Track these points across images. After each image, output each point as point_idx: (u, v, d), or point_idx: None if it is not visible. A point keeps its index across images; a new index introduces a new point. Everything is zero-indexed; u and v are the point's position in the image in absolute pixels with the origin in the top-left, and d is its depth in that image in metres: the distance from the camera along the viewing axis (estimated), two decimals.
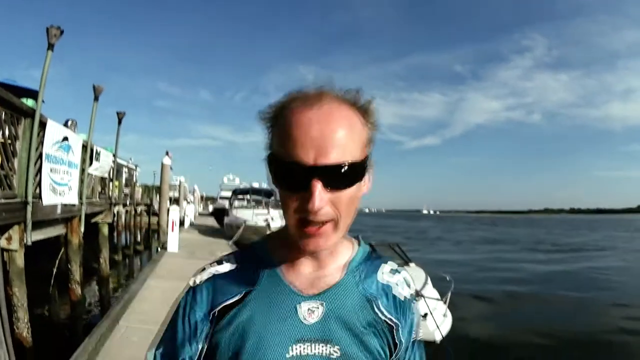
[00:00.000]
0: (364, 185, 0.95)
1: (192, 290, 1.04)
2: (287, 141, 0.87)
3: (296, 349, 0.94)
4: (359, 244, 1.10)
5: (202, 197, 61.93)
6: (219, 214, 37.54)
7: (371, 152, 0.94)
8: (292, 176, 0.87)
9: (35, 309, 8.71)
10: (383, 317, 1.00)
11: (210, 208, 55.79)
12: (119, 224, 19.58)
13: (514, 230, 70.22)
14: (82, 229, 10.33)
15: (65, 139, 8.81)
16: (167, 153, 22.38)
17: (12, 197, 6.52)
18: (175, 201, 27.08)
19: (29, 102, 7.48)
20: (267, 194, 27.55)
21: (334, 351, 0.94)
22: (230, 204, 27.09)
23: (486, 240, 44.95)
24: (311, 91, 0.92)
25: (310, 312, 0.96)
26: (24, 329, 6.50)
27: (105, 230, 13.48)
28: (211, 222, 36.01)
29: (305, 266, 1.01)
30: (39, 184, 7.59)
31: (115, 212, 18.38)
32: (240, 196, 28.40)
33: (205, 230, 26.39)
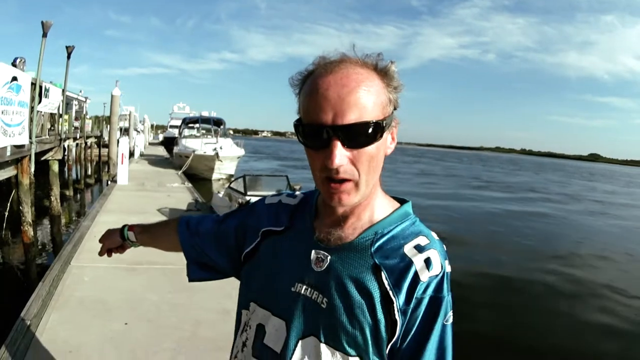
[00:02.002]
0: (388, 144, 1.01)
1: (264, 202, 1.25)
2: (309, 104, 0.94)
3: (299, 286, 1.05)
4: (400, 209, 1.09)
5: (152, 126, 60.56)
6: (169, 143, 36.95)
7: (393, 112, 0.98)
8: (314, 136, 0.94)
9: None
10: (384, 289, 0.98)
11: (160, 137, 54.79)
12: (69, 158, 19.01)
13: (458, 165, 72.01)
14: (33, 169, 10.01)
15: (15, 78, 8.39)
16: (116, 83, 21.67)
17: None
18: (125, 131, 26.35)
19: None
20: (217, 122, 27.21)
21: (324, 302, 1.01)
22: (180, 133, 26.71)
23: (424, 173, 46.17)
24: (333, 57, 0.97)
25: (318, 261, 1.04)
26: None
27: (55, 167, 13.06)
28: (161, 151, 35.42)
29: (330, 218, 1.06)
30: None
31: (65, 146, 17.82)
32: (190, 125, 28.00)
33: (155, 161, 26.08)
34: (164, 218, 9.78)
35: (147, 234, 1.57)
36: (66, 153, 18.27)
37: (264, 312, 1.11)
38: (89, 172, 23.16)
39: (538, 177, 59.49)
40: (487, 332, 6.94)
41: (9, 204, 10.08)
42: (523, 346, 6.67)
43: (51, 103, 12.09)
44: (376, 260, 1.00)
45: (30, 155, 9.88)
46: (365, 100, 0.91)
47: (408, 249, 1.00)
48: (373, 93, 0.93)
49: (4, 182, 9.52)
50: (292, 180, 12.17)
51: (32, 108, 9.91)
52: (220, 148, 20.29)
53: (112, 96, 21.52)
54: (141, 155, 29.29)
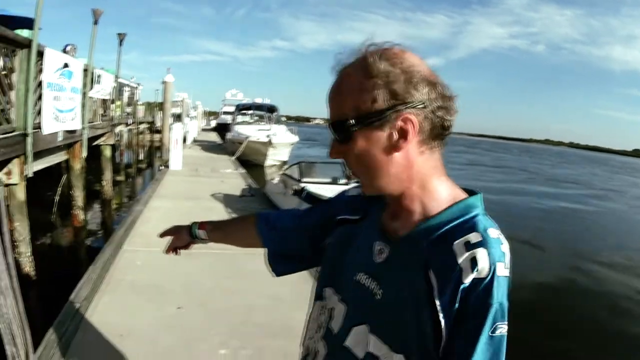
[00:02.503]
0: (392, 142, 0.94)
1: (345, 194, 1.30)
2: None
3: (359, 276, 1.06)
4: (460, 202, 0.99)
5: (204, 113, 61.43)
6: (222, 129, 37.34)
7: (392, 107, 0.91)
8: None
9: (38, 240, 8.70)
10: (429, 288, 0.91)
11: (213, 123, 55.51)
12: (121, 143, 19.37)
13: (507, 157, 70.62)
14: (85, 154, 10.16)
15: (66, 65, 8.46)
16: (168, 71, 21.90)
17: (10, 130, 6.29)
18: (178, 117, 26.69)
19: (25, 33, 7.08)
20: (270, 109, 27.19)
21: (379, 293, 1.01)
22: (233, 120, 26.80)
23: (473, 163, 45.53)
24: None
25: (379, 252, 1.04)
26: (27, 264, 6.47)
27: (107, 152, 13.30)
28: (214, 137, 35.73)
29: (389, 210, 1.07)
30: (39, 114, 7.35)
31: (117, 132, 18.13)
32: (243, 111, 28.09)
33: (208, 146, 26.26)
34: (217, 204, 9.83)
35: (219, 232, 1.56)
36: (118, 138, 18.60)
37: (335, 297, 1.14)
38: (141, 158, 23.56)
39: (586, 170, 58.27)
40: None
41: (59, 189, 10.23)
42: None
43: (103, 89, 12.26)
44: (426, 257, 0.94)
45: (82, 141, 10.01)
46: (340, 98, 0.96)
47: (457, 246, 0.90)
48: (349, 91, 0.94)
49: (55, 166, 9.65)
50: None
51: (84, 94, 10.02)
52: (274, 135, 20.22)
53: (165, 83, 21.76)
54: (194, 141, 29.58)
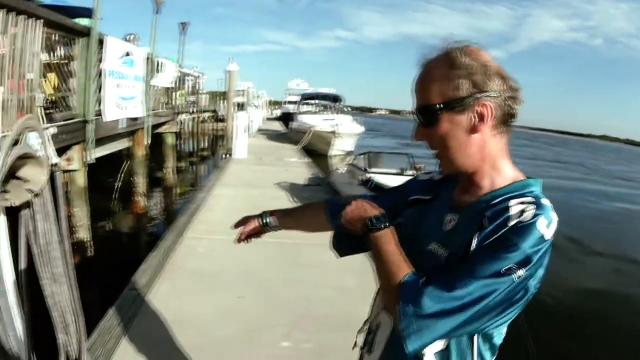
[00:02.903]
0: (471, 125, 1.08)
1: (416, 179, 1.44)
2: None
3: (432, 245, 1.17)
4: (522, 181, 1.13)
5: (268, 102, 61.98)
6: (286, 118, 37.46)
7: (468, 96, 1.06)
8: None
9: (99, 226, 8.83)
10: (481, 226, 1.05)
11: (277, 112, 55.88)
12: (184, 131, 19.66)
13: (566, 152, 67.88)
14: (147, 141, 10.27)
15: (128, 53, 8.54)
16: (232, 60, 21.98)
17: (71, 117, 6.35)
18: (242, 106, 26.85)
19: (84, 22, 7.12)
20: (335, 99, 26.90)
21: (445, 253, 1.12)
22: (297, 109, 26.70)
23: (535, 157, 43.75)
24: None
25: (448, 222, 1.18)
26: (86, 249, 6.54)
27: (170, 140, 13.47)
28: (278, 126, 35.85)
29: (460, 186, 1.20)
30: (100, 102, 7.41)
31: (181, 120, 18.39)
32: (307, 101, 27.96)
33: (272, 135, 26.28)
34: (282, 192, 9.68)
35: (289, 218, 1.66)
36: (181, 127, 18.87)
37: None
38: (204, 146, 23.87)
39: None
40: None
41: (120, 175, 10.39)
42: None
43: (166, 78, 12.38)
44: (484, 213, 1.06)
45: (144, 128, 10.12)
46: (427, 87, 1.09)
47: (512, 202, 1.04)
48: (433, 79, 1.08)
49: (117, 153, 9.80)
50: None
51: (146, 82, 10.11)
52: (339, 125, 19.99)
53: (228, 72, 21.79)
54: (258, 130, 29.71)
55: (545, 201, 1.04)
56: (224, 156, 16.31)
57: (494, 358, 1.18)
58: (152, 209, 11.05)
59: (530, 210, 1.00)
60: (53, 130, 3.79)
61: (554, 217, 1.02)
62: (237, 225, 1.71)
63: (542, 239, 0.98)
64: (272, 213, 1.67)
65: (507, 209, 1.02)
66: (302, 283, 4.94)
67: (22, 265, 2.64)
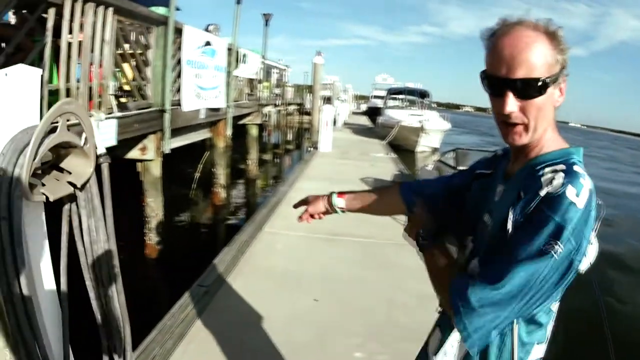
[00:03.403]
0: (556, 98, 1.15)
1: (481, 158, 1.50)
2: (489, 59, 1.16)
3: (485, 215, 1.24)
4: (562, 149, 1.17)
5: (354, 96, 61.71)
6: (372, 113, 37.18)
7: (560, 71, 1.12)
8: (492, 86, 1.16)
9: (175, 217, 8.79)
10: (517, 199, 1.10)
11: (363, 107, 55.68)
12: (269, 124, 19.66)
13: None
14: (229, 132, 10.15)
15: (208, 43, 8.38)
16: (318, 53, 21.80)
17: (146, 106, 6.22)
18: (328, 100, 26.69)
19: (160, 10, 6.98)
20: (422, 94, 26.24)
21: (489, 220, 1.21)
22: (384, 104, 26.31)
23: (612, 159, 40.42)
24: (512, 20, 1.14)
25: (499, 192, 1.24)
26: (157, 240, 6.41)
27: (253, 131, 13.37)
28: (364, 121, 35.54)
29: (513, 158, 1.26)
30: (178, 91, 7.29)
31: (265, 112, 18.37)
32: (394, 96, 27.53)
33: (358, 130, 25.99)
34: (366, 188, 9.21)
35: (358, 201, 1.65)
36: (266, 119, 18.87)
37: (470, 241, 1.30)
38: (289, 139, 23.86)
39: None
40: None
41: (200, 165, 10.33)
42: None
43: (249, 69, 12.24)
44: (523, 182, 1.12)
45: (226, 119, 10.00)
46: (532, 59, 1.09)
47: (545, 171, 1.09)
48: (540, 53, 1.09)
49: (199, 143, 9.74)
50: None
51: (228, 73, 9.98)
52: (426, 120, 19.39)
53: (314, 64, 21.67)
54: (344, 124, 29.52)
55: (577, 168, 1.08)
56: (309, 149, 16.28)
57: (543, 336, 1.19)
58: (232, 201, 10.95)
59: (559, 179, 1.04)
60: (101, 117, 3.54)
61: (585, 184, 1.04)
62: (300, 203, 1.73)
63: (573, 207, 0.99)
64: (340, 194, 1.66)
65: (539, 177, 1.07)
66: (381, 287, 4.55)
67: (63, 263, 2.40)
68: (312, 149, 15.83)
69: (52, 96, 4.51)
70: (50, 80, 4.54)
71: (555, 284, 1.01)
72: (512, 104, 1.11)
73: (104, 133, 5.03)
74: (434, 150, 20.48)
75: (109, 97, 5.23)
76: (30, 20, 4.32)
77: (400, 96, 27.54)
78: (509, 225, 1.06)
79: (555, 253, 0.97)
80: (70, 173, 2.29)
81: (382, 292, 4.44)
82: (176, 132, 7.22)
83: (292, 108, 25.80)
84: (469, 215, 1.33)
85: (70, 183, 2.24)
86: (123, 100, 5.82)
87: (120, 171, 6.49)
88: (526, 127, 1.14)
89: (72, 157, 2.27)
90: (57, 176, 2.29)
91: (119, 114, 5.29)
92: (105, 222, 2.42)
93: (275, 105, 20.48)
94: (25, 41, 4.37)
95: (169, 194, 6.82)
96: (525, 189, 1.08)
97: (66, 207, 2.36)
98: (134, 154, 6.24)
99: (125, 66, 5.97)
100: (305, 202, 1.73)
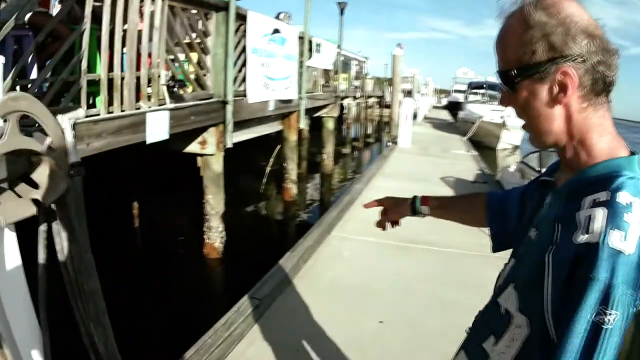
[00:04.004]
0: (545, 95, 0.91)
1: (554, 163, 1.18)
2: None
3: (532, 229, 1.00)
4: (609, 160, 0.90)
5: (435, 90, 60.10)
6: (453, 107, 35.90)
7: (549, 61, 0.87)
8: None
9: (242, 214, 8.34)
10: (553, 235, 0.87)
11: (444, 101, 54.31)
12: (348, 117, 19.04)
13: None
14: (301, 125, 9.61)
15: (277, 31, 7.84)
16: (398, 45, 21.01)
17: (206, 97, 5.75)
18: (408, 94, 25.80)
19: None
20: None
21: (534, 234, 0.97)
22: (465, 98, 25.30)
23: None
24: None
25: (547, 205, 1.00)
26: (216, 239, 5.92)
27: (330, 124, 12.75)
28: (444, 115, 34.32)
29: (561, 166, 1.02)
30: (244, 81, 6.80)
31: (345, 105, 17.79)
32: (474, 90, 26.36)
33: (439, 125, 24.97)
34: (446, 188, 8.50)
35: (444, 210, 1.47)
36: (345, 111, 18.28)
37: (512, 256, 1.11)
38: (369, 132, 23.15)
39: None
40: None
41: (271, 159, 9.85)
42: None
43: (324, 59, 11.63)
44: (561, 207, 0.92)
45: (299, 111, 9.47)
46: (503, 49, 0.94)
47: (585, 201, 0.85)
48: (511, 42, 0.92)
49: (274, 135, 9.29)
50: None
51: (301, 63, 9.42)
52: (508, 116, 18.19)
53: (393, 56, 20.93)
54: (424, 118, 28.55)
55: (624, 196, 0.81)
56: (388, 144, 15.50)
57: None
58: (304, 197, 10.40)
59: (599, 221, 0.79)
60: (78, 114, 3.02)
61: (634, 220, 0.78)
62: (372, 204, 1.54)
63: (620, 256, 0.76)
64: (424, 200, 1.46)
65: (573, 216, 0.84)
66: (457, 308, 3.65)
67: (42, 296, 1.90)
68: (391, 143, 15.09)
69: (94, 86, 4.14)
70: (93, 70, 4.14)
71: (619, 340, 0.76)
72: (503, 97, 0.99)
73: (155, 126, 4.59)
74: (515, 148, 19.26)
75: (161, 88, 4.79)
76: (64, 5, 3.91)
77: (481, 91, 26.17)
78: (546, 280, 0.83)
79: (607, 323, 0.75)
80: (37, 187, 1.75)
81: (458, 315, 3.65)
82: (241, 124, 6.74)
83: (372, 101, 25.08)
84: (522, 226, 1.12)
85: (36, 201, 1.68)
86: (180, 91, 5.35)
87: (181, 165, 6.09)
88: (525, 129, 0.99)
89: (43, 166, 1.73)
90: (22, 192, 1.75)
91: (172, 106, 4.83)
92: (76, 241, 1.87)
93: (355, 98, 19.84)
94: (62, 29, 3.96)
95: (238, 189, 6.36)
96: (563, 225, 0.86)
97: (42, 228, 1.83)
98: (193, 147, 5.79)
99: (194, 56, 5.56)
100: (383, 202, 1.54)
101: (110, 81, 4.13)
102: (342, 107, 16.76)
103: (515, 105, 0.96)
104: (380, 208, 1.53)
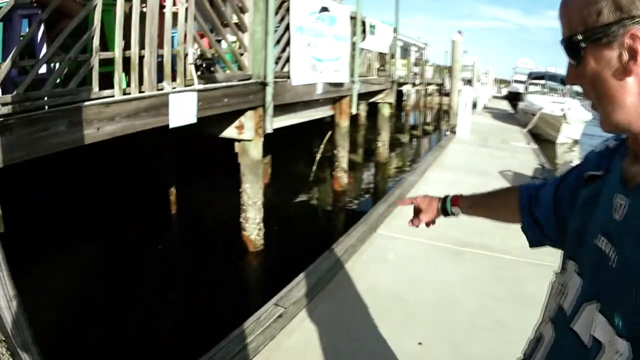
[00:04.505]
0: (615, 64, 0.75)
1: (594, 150, 1.03)
2: None
3: (599, 238, 0.81)
4: None
5: (495, 80, 57.96)
6: (513, 98, 34.27)
7: (617, 22, 0.73)
8: None
9: (285, 203, 7.81)
10: None
11: (504, 91, 52.40)
12: (407, 103, 18.20)
13: None
14: (354, 111, 8.95)
15: (325, 9, 7.22)
16: (459, 32, 19.96)
17: (243, 78, 5.22)
18: (468, 82, 24.65)
19: None
20: (563, 81, 23.32)
21: (614, 259, 0.76)
22: (526, 89, 23.92)
23: None
24: None
25: (618, 207, 0.80)
26: (253, 231, 5.39)
27: (385, 111, 11.98)
28: (504, 105, 32.83)
29: (631, 153, 0.84)
30: (287, 61, 6.24)
31: (404, 91, 17.00)
32: (534, 81, 24.90)
33: (498, 115, 23.68)
34: (505, 183, 7.64)
35: (476, 209, 1.36)
36: (405, 98, 17.48)
37: (573, 268, 0.91)
38: (427, 120, 22.17)
39: None
40: None
41: (322, 146, 9.24)
42: None
43: (379, 42, 10.89)
44: None
45: (351, 96, 8.82)
46: (568, 13, 0.81)
47: None
48: (575, 5, 0.78)
49: (327, 120, 8.73)
50: None
51: (353, 44, 8.76)
52: (569, 109, 16.94)
53: (453, 42, 19.90)
54: (484, 107, 27.31)
55: None
56: (446, 133, 14.80)
57: None
58: (356, 187, 9.73)
59: None
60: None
61: None
62: (410, 201, 1.47)
63: None
64: (454, 201, 1.37)
65: None
66: (509, 331, 3.02)
67: None
68: (449, 133, 14.41)
69: (108, 66, 3.69)
70: (112, 49, 3.69)
71: None
72: (569, 73, 0.84)
73: (179, 109, 4.09)
74: (575, 142, 18.01)
75: (188, 67, 4.29)
76: None
77: (541, 81, 24.63)
78: None
79: None
80: None
81: (513, 334, 2.96)
82: (284, 108, 6.19)
83: (431, 88, 24.05)
84: (574, 235, 0.91)
85: None
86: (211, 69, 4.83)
87: (221, 149, 5.61)
88: (595, 109, 0.81)
89: None
90: None
91: (201, 87, 4.33)
92: None
93: (414, 85, 18.96)
94: (73, 5, 3.53)
95: (285, 175, 5.80)
96: None
97: None
98: (229, 132, 5.29)
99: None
100: (418, 201, 1.45)
101: (127, 60, 3.67)
102: (400, 94, 15.99)
103: (582, 79, 0.81)
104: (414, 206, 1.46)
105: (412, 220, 1.47)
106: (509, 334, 2.99)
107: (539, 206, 1.13)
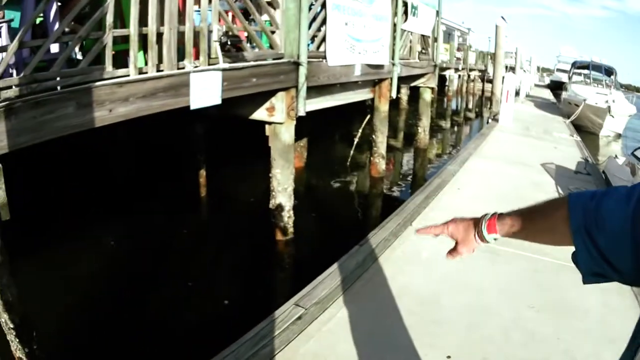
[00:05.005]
0: None
1: None
2: None
3: None
4: None
5: (538, 68, 55.78)
6: (556, 87, 32.77)
7: None
8: None
9: (318, 189, 7.42)
10: None
11: (547, 80, 50.47)
12: (449, 89, 17.47)
13: None
14: (394, 94, 8.45)
15: None
16: (502, 18, 19.00)
17: (275, 57, 4.83)
18: (511, 69, 23.60)
19: None
20: (608, 71, 21.97)
21: None
22: (569, 78, 22.70)
23: None
24: None
25: None
26: (283, 218, 4.98)
27: (426, 95, 11.40)
28: (547, 95, 31.51)
29: None
30: (323, 41, 5.81)
31: (447, 76, 16.31)
32: (578, 70, 23.61)
33: (541, 104, 22.60)
34: (547, 177, 7.16)
35: (515, 234, 1.03)
36: (447, 83, 16.78)
37: None
38: (470, 107, 21.30)
39: None
40: None
41: (361, 130, 8.77)
42: None
43: (421, 24, 10.30)
44: None
45: (391, 79, 8.31)
46: None
47: None
48: None
49: (368, 102, 8.27)
50: None
51: (394, 25, 8.24)
52: (613, 101, 15.92)
53: (496, 27, 18.96)
54: (527, 96, 26.12)
55: None
56: (489, 120, 14.14)
57: None
58: (394, 173, 9.26)
59: None
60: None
61: None
62: (434, 231, 1.22)
63: None
64: (490, 227, 1.06)
65: None
66: (546, 346, 2.65)
67: None
68: (491, 120, 13.78)
69: (123, 44, 3.36)
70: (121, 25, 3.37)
71: None
72: None
73: (202, 89, 3.74)
74: (618, 135, 17.22)
75: (213, 44, 3.92)
76: None
77: (585, 71, 23.32)
78: None
79: None
80: None
81: (555, 348, 2.60)
82: (319, 90, 5.78)
83: (474, 74, 23.09)
84: None
85: None
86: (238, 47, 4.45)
87: (254, 131, 5.28)
88: None
89: None
90: None
91: (226, 65, 3.95)
92: None
93: (457, 70, 18.18)
94: None
95: (322, 160, 5.40)
96: None
97: None
98: (259, 114, 4.91)
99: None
100: (451, 227, 1.19)
101: (144, 37, 3.33)
102: (443, 79, 15.34)
103: None
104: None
105: (451, 253, 1.25)
106: (544, 351, 2.55)
107: (601, 228, 0.80)
